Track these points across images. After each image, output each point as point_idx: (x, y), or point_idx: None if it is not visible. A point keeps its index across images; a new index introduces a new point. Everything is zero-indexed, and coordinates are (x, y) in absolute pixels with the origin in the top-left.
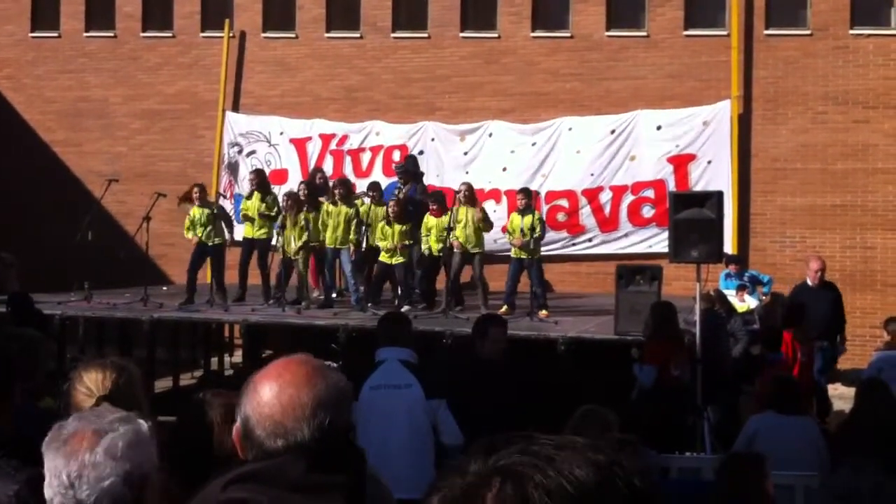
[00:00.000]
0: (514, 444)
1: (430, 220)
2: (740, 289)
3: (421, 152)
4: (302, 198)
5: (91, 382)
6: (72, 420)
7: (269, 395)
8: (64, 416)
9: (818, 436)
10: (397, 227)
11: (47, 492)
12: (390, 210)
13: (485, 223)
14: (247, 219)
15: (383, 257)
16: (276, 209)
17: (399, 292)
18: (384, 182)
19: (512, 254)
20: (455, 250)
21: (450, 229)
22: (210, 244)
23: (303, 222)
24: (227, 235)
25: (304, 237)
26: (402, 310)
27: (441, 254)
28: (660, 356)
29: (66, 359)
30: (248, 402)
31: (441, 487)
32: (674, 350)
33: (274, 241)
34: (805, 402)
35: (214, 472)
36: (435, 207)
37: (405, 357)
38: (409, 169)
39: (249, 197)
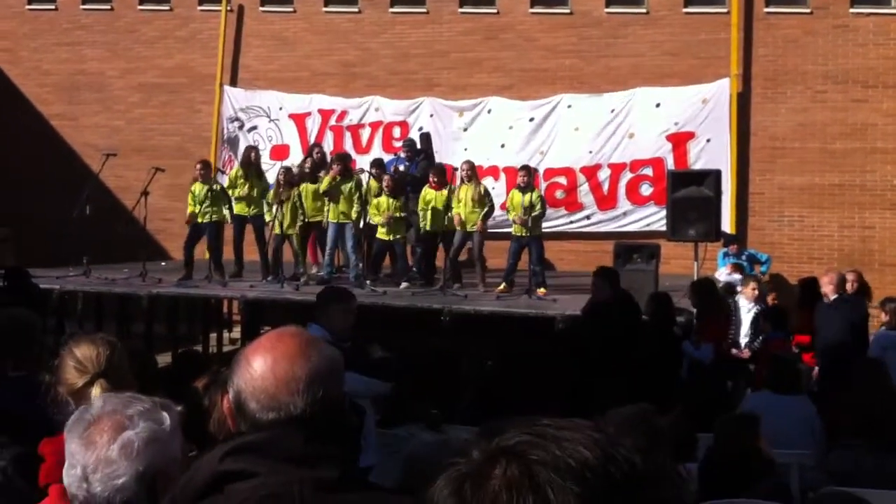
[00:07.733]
0: (517, 427)
1: (428, 193)
2: (736, 267)
3: (421, 128)
4: (306, 171)
5: (84, 359)
6: (97, 403)
7: (263, 368)
8: (53, 392)
9: (813, 415)
10: (392, 202)
11: (66, 478)
12: (384, 184)
13: (481, 202)
14: (239, 199)
15: (380, 234)
16: (258, 189)
17: (397, 269)
18: (384, 159)
19: (513, 231)
20: (457, 228)
21: (450, 207)
22: (206, 221)
23: (296, 198)
24: (225, 213)
25: (300, 217)
26: (401, 287)
27: (436, 230)
28: (715, 333)
29: (64, 333)
30: (241, 376)
31: (447, 471)
32: (726, 325)
33: (267, 218)
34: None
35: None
36: (435, 180)
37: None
38: (421, 146)
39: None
